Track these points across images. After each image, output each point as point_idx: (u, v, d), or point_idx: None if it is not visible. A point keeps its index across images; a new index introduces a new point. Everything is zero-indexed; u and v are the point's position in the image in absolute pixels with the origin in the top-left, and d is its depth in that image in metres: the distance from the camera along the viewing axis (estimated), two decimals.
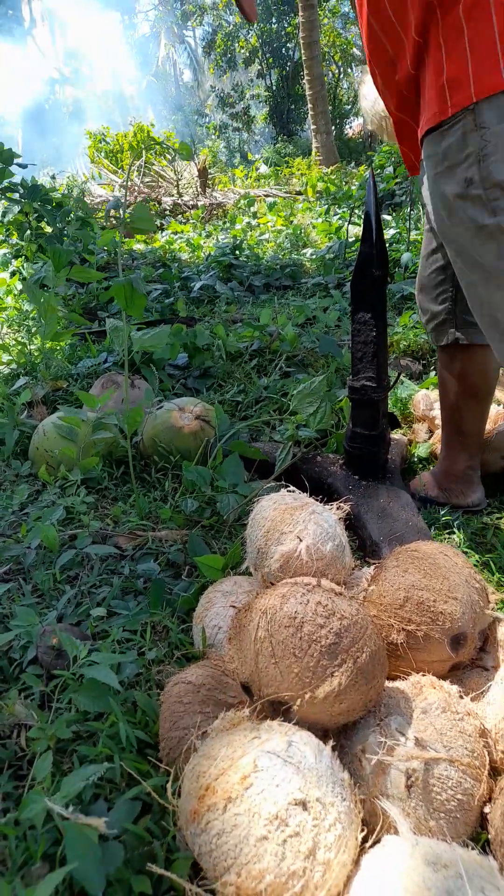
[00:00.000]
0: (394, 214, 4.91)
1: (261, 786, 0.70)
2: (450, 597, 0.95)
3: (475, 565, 1.41)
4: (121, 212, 1.42)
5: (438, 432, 1.93)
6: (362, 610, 0.86)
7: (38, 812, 0.79)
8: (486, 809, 0.80)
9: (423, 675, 0.90)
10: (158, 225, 7.19)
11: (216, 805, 0.70)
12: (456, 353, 1.53)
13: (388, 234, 4.33)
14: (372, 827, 0.77)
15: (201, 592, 1.26)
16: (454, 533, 1.53)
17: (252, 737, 0.77)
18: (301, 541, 1.16)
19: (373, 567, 1.19)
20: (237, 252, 4.75)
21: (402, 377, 2.34)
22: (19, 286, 3.83)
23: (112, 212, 1.42)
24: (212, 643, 1.08)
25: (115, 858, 0.76)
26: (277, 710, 0.83)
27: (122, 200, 1.39)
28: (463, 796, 0.77)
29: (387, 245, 3.98)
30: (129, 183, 8.20)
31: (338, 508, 1.27)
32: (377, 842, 0.72)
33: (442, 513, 1.60)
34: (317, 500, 1.28)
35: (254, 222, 6.61)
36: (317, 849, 0.68)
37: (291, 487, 1.32)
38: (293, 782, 0.71)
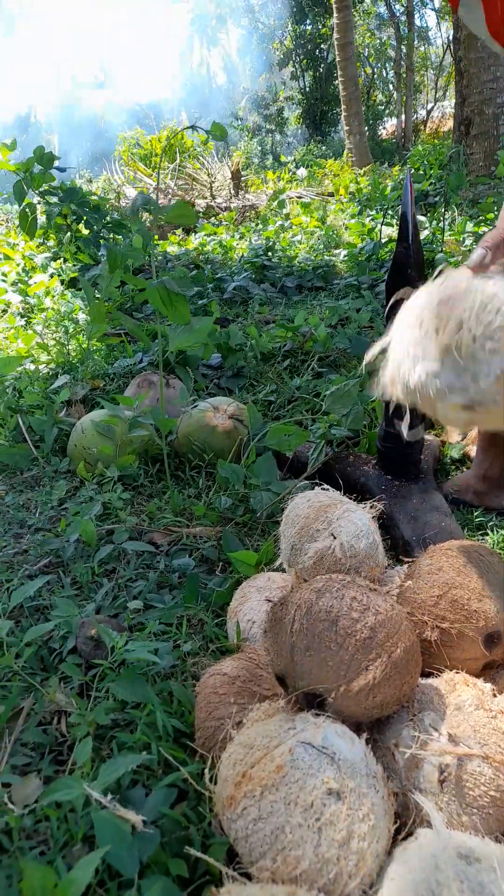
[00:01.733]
0: (428, 215, 4.87)
1: (296, 775, 0.72)
2: (484, 595, 0.96)
3: None
4: (152, 208, 1.44)
5: (471, 434, 1.92)
6: (397, 606, 0.87)
7: (78, 796, 0.82)
8: None
9: (457, 673, 0.91)
10: (192, 226, 7.24)
11: (253, 792, 0.72)
12: None
13: (422, 234, 4.30)
14: (405, 820, 0.78)
15: (235, 588, 1.28)
16: (487, 534, 1.53)
17: (287, 727, 0.79)
18: (335, 538, 1.17)
19: (406, 565, 1.19)
20: (270, 253, 4.77)
21: None
22: (59, 288, 3.91)
23: (141, 209, 1.44)
24: (246, 637, 1.10)
25: (152, 843, 0.78)
26: (311, 702, 0.84)
27: (154, 196, 1.41)
28: (496, 793, 0.77)
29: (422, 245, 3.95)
30: (163, 185, 8.29)
31: (371, 507, 1.28)
32: (410, 834, 0.73)
33: (475, 514, 1.60)
34: (350, 499, 1.29)
35: (286, 224, 6.63)
36: (351, 838, 0.69)
37: (325, 486, 1.33)
38: (328, 772, 0.73)
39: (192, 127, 1.55)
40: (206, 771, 0.81)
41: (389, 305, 1.60)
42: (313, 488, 1.34)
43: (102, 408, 1.92)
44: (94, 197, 4.39)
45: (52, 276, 4.08)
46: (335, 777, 0.72)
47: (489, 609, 0.94)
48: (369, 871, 0.69)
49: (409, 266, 1.54)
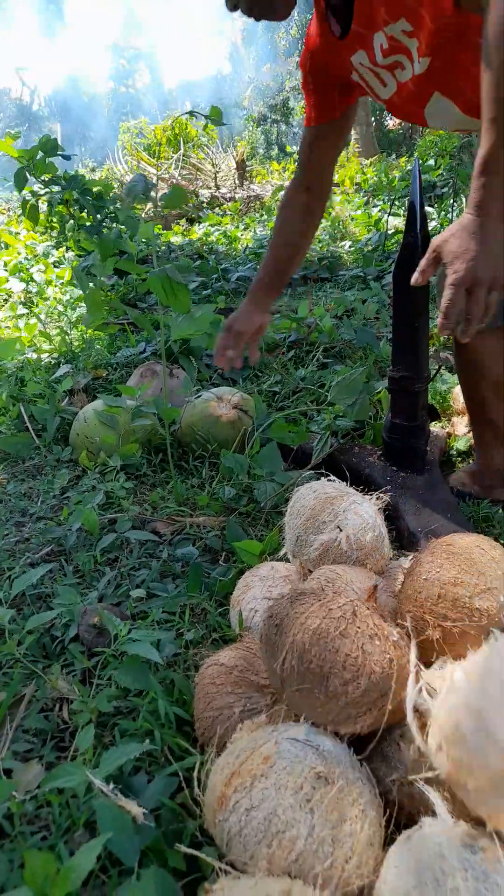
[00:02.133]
0: (436, 206, 4.84)
1: (283, 763, 0.73)
2: (486, 593, 0.94)
3: None
4: (152, 194, 1.43)
5: None
6: (397, 655, 0.81)
7: (80, 783, 0.82)
8: None
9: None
10: (196, 217, 7.21)
11: (243, 784, 0.72)
12: (479, 344, 1.49)
13: (430, 226, 4.27)
14: (409, 810, 0.78)
15: (238, 577, 1.27)
16: (493, 526, 1.52)
17: (271, 730, 0.80)
18: (341, 530, 1.17)
19: (409, 559, 1.18)
20: None
21: (441, 370, 2.31)
22: (62, 276, 3.90)
23: (134, 195, 1.42)
24: (248, 626, 1.09)
25: (152, 832, 0.78)
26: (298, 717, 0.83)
27: (153, 182, 1.40)
28: None
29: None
30: (167, 174, 8.25)
31: (378, 499, 1.27)
32: (414, 822, 0.72)
33: (482, 506, 1.59)
34: (356, 491, 1.28)
35: None
36: (343, 820, 0.69)
37: (332, 477, 1.32)
38: (314, 760, 0.73)
39: (191, 112, 1.53)
40: (199, 771, 0.80)
41: (395, 295, 1.59)
42: (319, 479, 1.33)
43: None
44: (96, 188, 4.36)
45: (55, 265, 4.07)
46: (322, 763, 0.73)
47: (491, 606, 0.92)
48: (366, 858, 0.69)
49: (417, 256, 1.52)
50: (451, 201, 4.22)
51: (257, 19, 1.21)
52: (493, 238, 1.00)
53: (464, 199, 4.26)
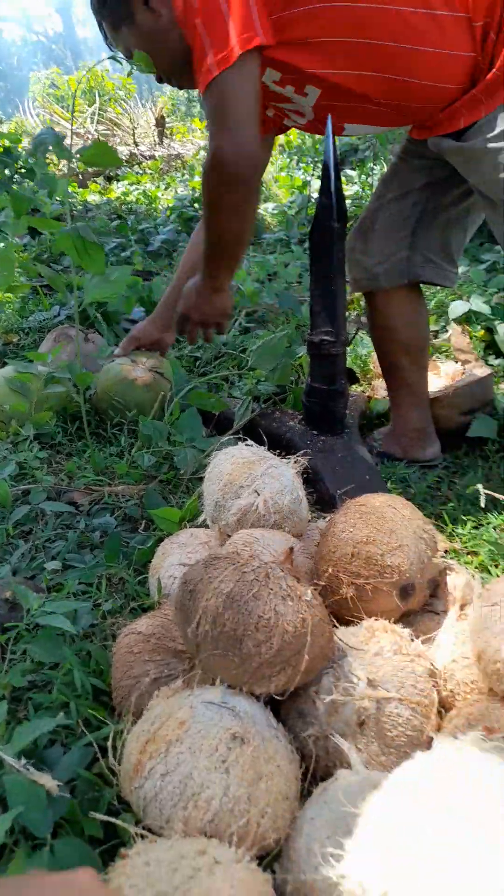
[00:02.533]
0: (357, 169, 4.83)
1: (199, 726, 0.73)
2: (396, 549, 0.96)
3: (429, 517, 1.43)
4: (59, 149, 1.36)
5: None
6: (311, 615, 0.80)
7: None
8: None
9: (376, 620, 0.92)
10: (114, 175, 6.92)
11: (158, 750, 0.72)
12: (389, 308, 1.57)
13: (352, 189, 4.27)
14: (325, 763, 0.80)
15: (158, 546, 1.25)
16: (410, 487, 1.56)
17: (187, 694, 0.80)
18: (258, 494, 1.16)
19: (325, 520, 1.20)
20: (196, 205, 4.62)
21: (360, 333, 2.33)
22: None
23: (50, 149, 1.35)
24: (167, 593, 1.08)
25: (64, 804, 0.76)
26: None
27: (67, 136, 1.33)
28: (413, 732, 0.80)
29: (350, 201, 3.92)
30: (82, 129, 7.85)
31: (295, 462, 1.28)
32: (330, 775, 0.74)
33: (399, 467, 1.63)
34: (274, 455, 1.28)
35: None
36: (259, 778, 0.70)
37: (249, 441, 1.31)
38: (230, 721, 0.74)
39: (113, 57, 1.44)
40: (115, 740, 0.79)
41: (312, 257, 1.58)
42: (237, 444, 1.32)
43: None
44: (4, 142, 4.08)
45: None
46: (238, 724, 0.73)
47: (402, 563, 0.95)
48: (281, 812, 0.70)
49: (332, 217, 1.51)
50: (372, 164, 4.23)
51: (181, 88, 1.46)
52: (201, 296, 1.52)
53: (385, 163, 4.29)
